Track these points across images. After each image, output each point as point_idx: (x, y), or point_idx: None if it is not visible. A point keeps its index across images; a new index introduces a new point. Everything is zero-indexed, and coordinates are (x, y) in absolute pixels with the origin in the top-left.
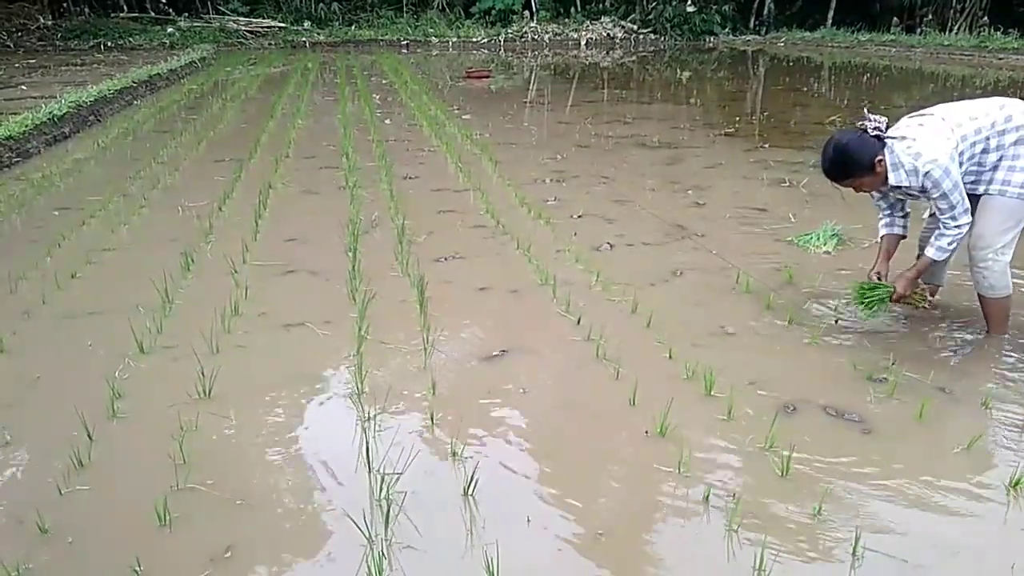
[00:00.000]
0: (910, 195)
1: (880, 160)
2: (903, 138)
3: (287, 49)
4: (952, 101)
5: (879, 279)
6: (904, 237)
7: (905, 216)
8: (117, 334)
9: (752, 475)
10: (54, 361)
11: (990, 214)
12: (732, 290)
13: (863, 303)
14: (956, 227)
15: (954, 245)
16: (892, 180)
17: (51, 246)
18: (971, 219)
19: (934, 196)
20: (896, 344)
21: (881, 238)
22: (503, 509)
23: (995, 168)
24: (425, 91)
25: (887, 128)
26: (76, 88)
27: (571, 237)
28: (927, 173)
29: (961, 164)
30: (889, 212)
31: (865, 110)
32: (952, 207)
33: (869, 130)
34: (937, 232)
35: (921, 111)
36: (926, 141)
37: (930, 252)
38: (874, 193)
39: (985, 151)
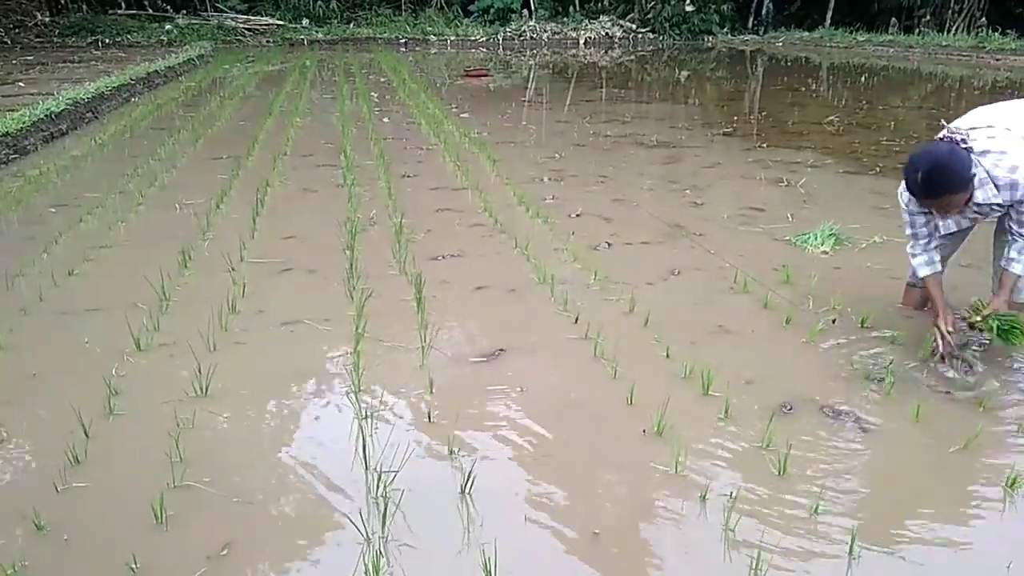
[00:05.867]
0: (978, 214)
1: (974, 175)
2: (987, 152)
3: (285, 47)
4: (951, 102)
5: (964, 320)
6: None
7: (937, 248)
8: (114, 331)
9: (749, 474)
10: (51, 358)
11: None
12: (730, 289)
13: (1008, 337)
14: None
15: None
16: (979, 198)
17: (48, 243)
18: None
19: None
20: (893, 344)
21: (923, 280)
22: (500, 507)
23: None
24: (423, 89)
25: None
26: (74, 85)
27: (569, 236)
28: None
29: None
30: (926, 242)
31: (943, 122)
32: None
33: (961, 144)
34: (1017, 246)
35: (972, 124)
36: (1017, 153)
37: (1017, 269)
38: (915, 220)
39: None
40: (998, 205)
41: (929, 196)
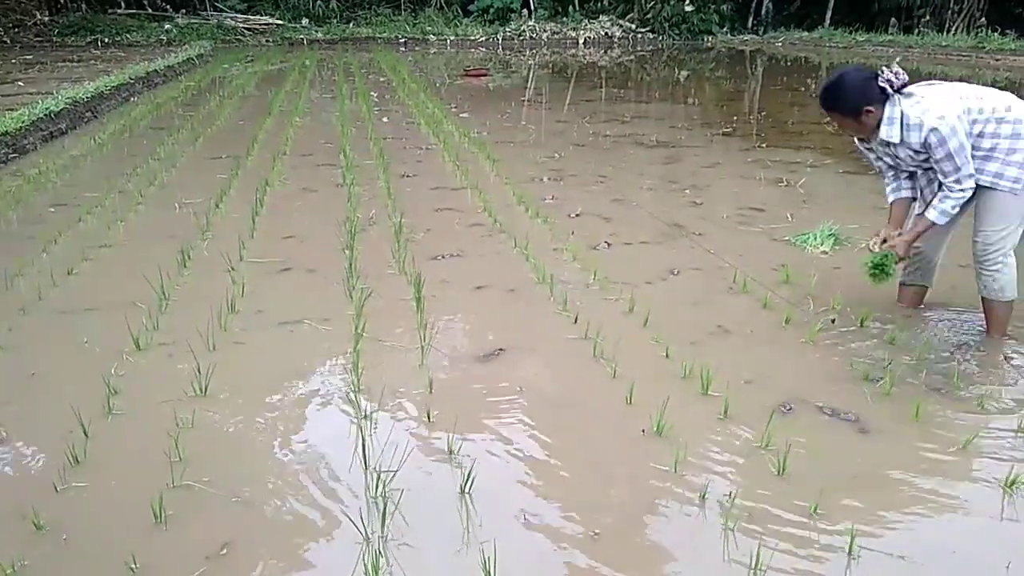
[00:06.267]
0: (897, 157)
1: (870, 111)
2: (912, 95)
3: (285, 47)
4: None
5: (883, 242)
6: (914, 199)
7: (911, 177)
8: (113, 331)
9: (748, 474)
10: (50, 358)
11: (987, 213)
12: (729, 289)
13: (873, 273)
14: (960, 191)
15: (956, 209)
16: (883, 134)
17: (47, 243)
18: (972, 187)
19: (938, 157)
20: (892, 344)
21: (891, 205)
22: (499, 507)
23: (987, 158)
24: (423, 89)
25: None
26: (73, 84)
27: (568, 236)
28: (934, 129)
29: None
30: (893, 175)
31: (896, 60)
32: (957, 169)
33: (881, 78)
34: (940, 195)
35: (929, 81)
36: (936, 99)
37: (931, 215)
38: (867, 156)
39: (981, 135)
40: (912, 152)
41: (821, 106)
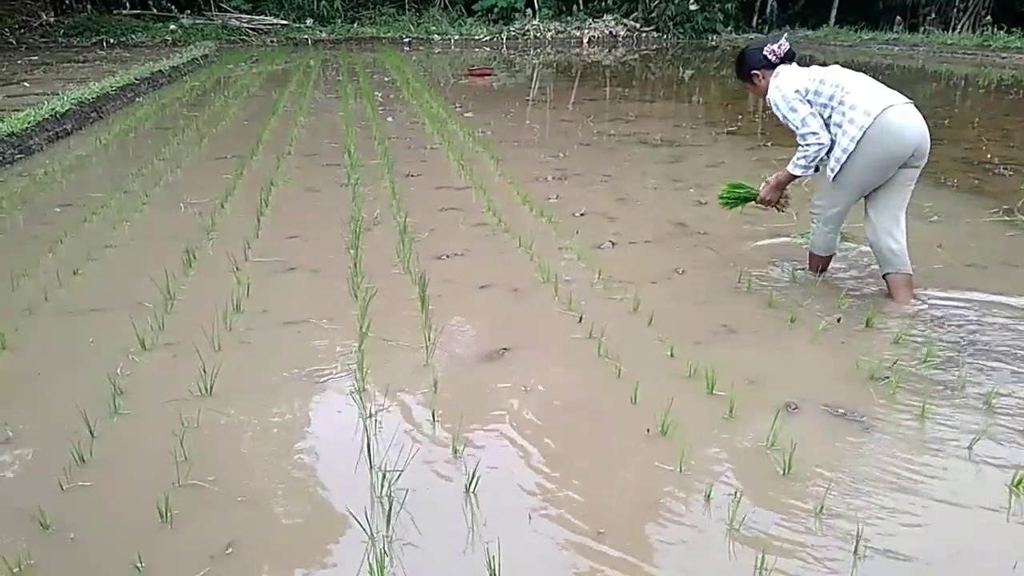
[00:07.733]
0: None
1: (756, 74)
2: (786, 73)
3: (289, 47)
4: (956, 100)
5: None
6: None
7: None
8: (119, 331)
9: (753, 473)
10: (56, 357)
11: (821, 183)
12: (734, 288)
13: (725, 198)
14: (805, 146)
15: (803, 162)
16: (767, 95)
17: (53, 243)
18: (826, 144)
19: (779, 119)
20: (898, 343)
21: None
22: (504, 507)
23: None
24: (427, 89)
25: (789, 60)
26: (78, 85)
27: (573, 235)
28: (769, 97)
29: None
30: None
31: (784, 35)
32: (796, 128)
33: (767, 48)
34: (798, 152)
35: (827, 66)
36: (791, 76)
37: (789, 166)
38: None
39: (829, 118)
40: (782, 118)
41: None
